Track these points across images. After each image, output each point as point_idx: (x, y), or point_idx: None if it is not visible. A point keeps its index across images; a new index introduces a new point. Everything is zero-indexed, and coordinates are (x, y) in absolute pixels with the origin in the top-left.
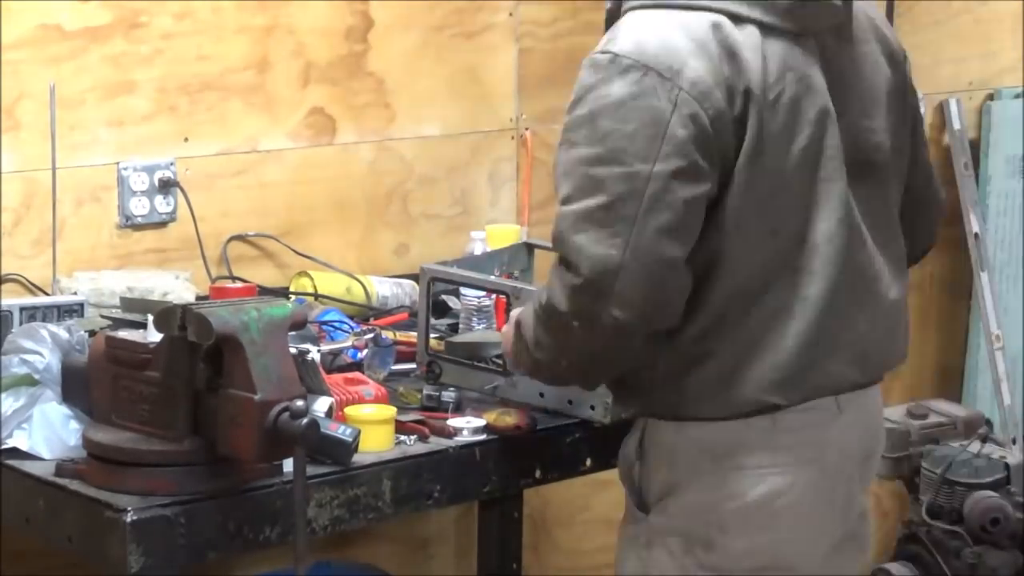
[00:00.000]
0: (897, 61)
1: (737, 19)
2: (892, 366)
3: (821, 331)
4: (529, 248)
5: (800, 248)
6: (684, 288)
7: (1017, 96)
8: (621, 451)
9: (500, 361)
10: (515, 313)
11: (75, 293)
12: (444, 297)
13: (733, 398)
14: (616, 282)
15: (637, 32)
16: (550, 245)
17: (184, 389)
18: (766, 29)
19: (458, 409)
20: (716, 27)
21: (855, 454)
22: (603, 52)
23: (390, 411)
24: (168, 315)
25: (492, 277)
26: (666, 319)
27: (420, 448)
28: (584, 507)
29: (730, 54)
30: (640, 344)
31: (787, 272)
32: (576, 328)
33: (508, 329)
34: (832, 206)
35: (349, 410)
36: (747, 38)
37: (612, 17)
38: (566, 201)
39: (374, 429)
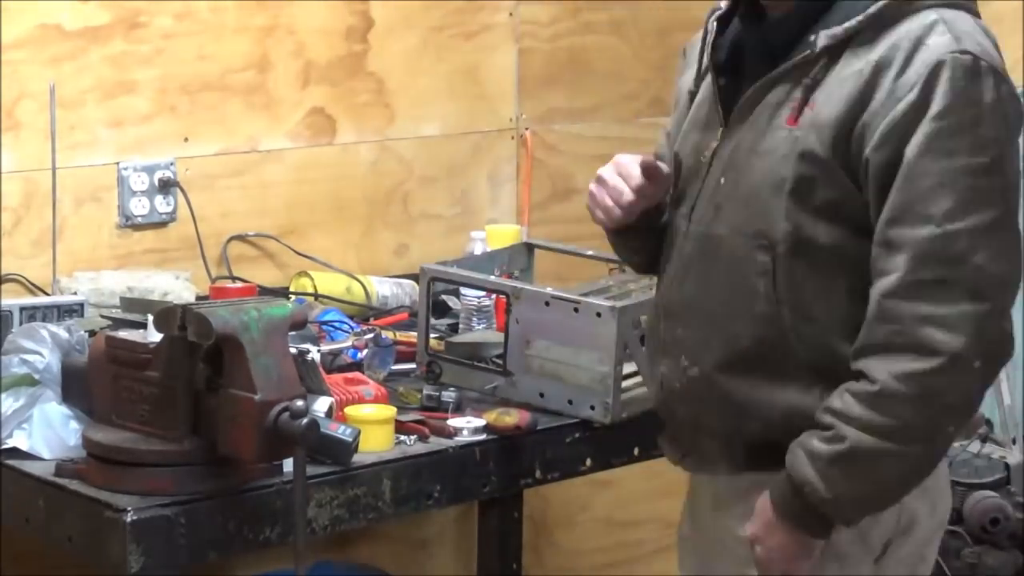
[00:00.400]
0: None
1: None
2: None
3: None
4: (529, 248)
5: None
6: None
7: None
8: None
9: (499, 361)
10: (800, 442)
11: (75, 293)
12: (444, 297)
13: None
14: (1008, 296)
15: (970, 33)
16: (551, 245)
17: (184, 389)
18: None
19: (458, 409)
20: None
21: None
22: (962, 52)
23: (390, 411)
24: (168, 315)
25: (492, 277)
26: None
27: (420, 448)
28: (584, 507)
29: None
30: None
31: None
32: (978, 369)
33: (763, 503)
34: None
35: (349, 410)
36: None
37: (893, 13)
38: (951, 217)
39: (374, 429)
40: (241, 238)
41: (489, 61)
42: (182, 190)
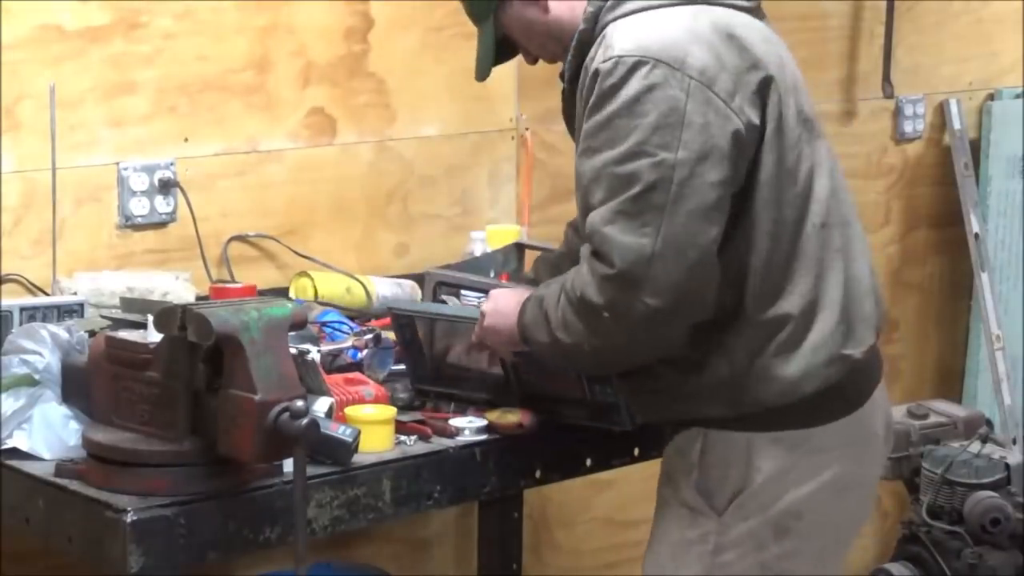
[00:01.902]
0: None
1: (714, 3)
2: None
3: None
4: (519, 249)
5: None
6: (716, 276)
7: (1017, 96)
8: (671, 458)
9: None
10: (537, 291)
11: (75, 293)
12: (444, 297)
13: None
14: (649, 270)
15: (633, 32)
16: (541, 245)
17: (184, 389)
18: (739, 9)
19: (460, 408)
20: (702, 13)
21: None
22: (605, 60)
23: (390, 411)
24: (168, 315)
25: (497, 281)
26: (700, 309)
27: (420, 448)
28: (584, 507)
29: (728, 37)
30: (676, 336)
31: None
32: (607, 319)
33: (515, 303)
34: (825, 166)
35: (349, 410)
36: (732, 18)
37: (586, 38)
38: (601, 204)
39: (374, 429)
40: (241, 238)
41: None
42: (182, 190)
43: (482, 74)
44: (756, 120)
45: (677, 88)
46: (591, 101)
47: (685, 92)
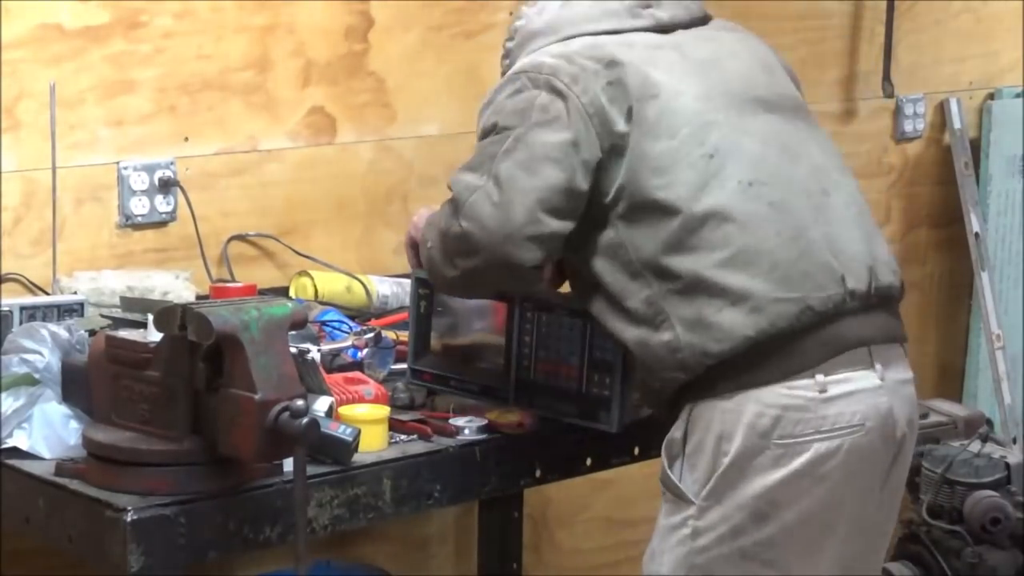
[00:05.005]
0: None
1: (612, 32)
2: None
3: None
4: None
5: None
6: (543, 239)
7: (1017, 96)
8: (665, 447)
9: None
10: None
11: (75, 293)
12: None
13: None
14: (469, 198)
15: (528, 57)
16: None
17: (184, 389)
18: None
19: (460, 408)
20: (592, 45)
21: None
22: (502, 76)
23: (383, 411)
24: (168, 315)
25: None
26: (519, 250)
27: (420, 448)
28: (584, 507)
29: (601, 56)
30: (488, 275)
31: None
32: (441, 234)
33: (419, 222)
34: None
35: (343, 410)
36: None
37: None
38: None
39: (367, 429)
40: (241, 238)
41: (489, 61)
42: (182, 190)
43: None
44: (604, 100)
45: (532, 86)
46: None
47: (537, 87)
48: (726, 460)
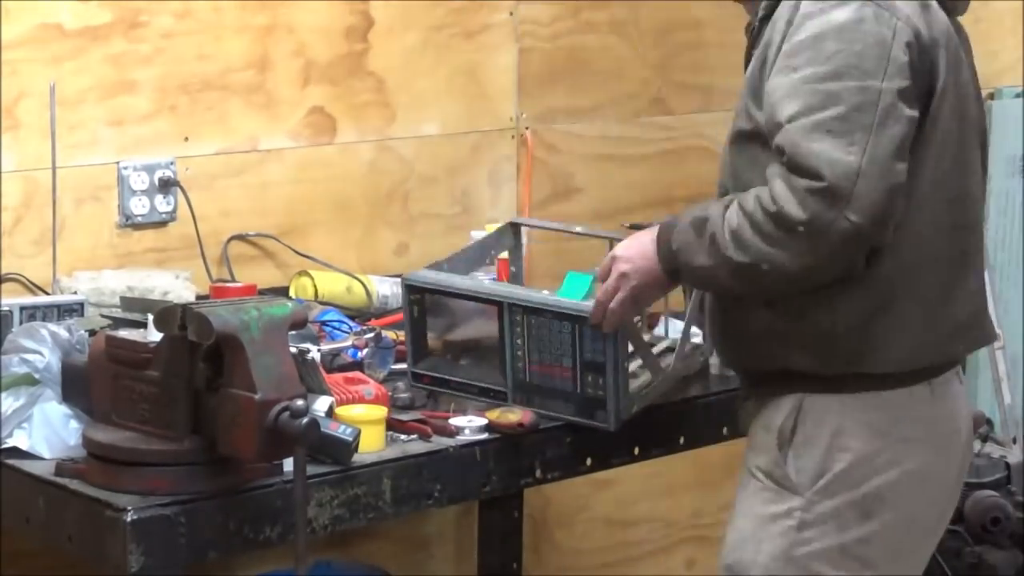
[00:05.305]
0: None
1: None
2: None
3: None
4: (515, 227)
5: (964, 202)
6: (901, 208)
7: (1017, 96)
8: (761, 428)
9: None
10: (680, 218)
11: (75, 292)
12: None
13: (921, 349)
14: (855, 187)
15: None
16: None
17: (184, 389)
18: None
19: (460, 407)
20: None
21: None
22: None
23: (380, 411)
24: (168, 315)
25: (484, 279)
26: (887, 234)
27: (420, 448)
28: (584, 507)
29: (924, 5)
30: (858, 261)
31: (960, 223)
32: (802, 234)
33: (647, 240)
34: (973, 169)
35: (340, 410)
36: None
37: None
38: (794, 118)
39: (365, 429)
40: (241, 238)
41: (489, 61)
42: (182, 189)
43: None
44: (939, 85)
45: (885, 27)
46: (794, 22)
47: (892, 32)
48: (846, 456)
